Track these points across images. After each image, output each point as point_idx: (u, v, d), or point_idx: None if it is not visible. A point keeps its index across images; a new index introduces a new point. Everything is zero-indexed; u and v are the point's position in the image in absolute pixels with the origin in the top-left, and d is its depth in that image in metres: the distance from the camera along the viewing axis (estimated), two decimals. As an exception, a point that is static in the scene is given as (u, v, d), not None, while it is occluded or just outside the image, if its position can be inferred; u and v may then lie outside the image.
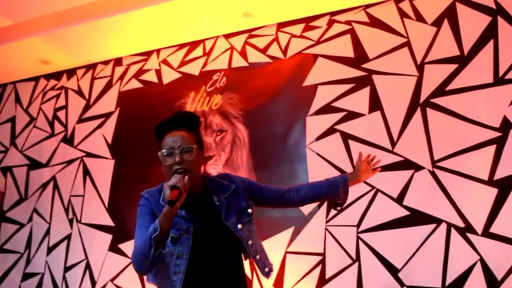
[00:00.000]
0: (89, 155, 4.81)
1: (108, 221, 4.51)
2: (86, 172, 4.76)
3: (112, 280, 4.34)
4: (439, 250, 3.34)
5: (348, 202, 3.50)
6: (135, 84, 4.78)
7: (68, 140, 4.98)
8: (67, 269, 4.58)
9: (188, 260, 2.08)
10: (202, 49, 4.56)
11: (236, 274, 2.21)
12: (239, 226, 2.19)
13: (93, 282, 4.42)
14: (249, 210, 2.30)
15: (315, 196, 2.44)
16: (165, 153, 2.15)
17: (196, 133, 2.28)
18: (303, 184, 2.51)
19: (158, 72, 4.70)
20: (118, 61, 4.96)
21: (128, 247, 4.34)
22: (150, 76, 4.73)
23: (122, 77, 4.87)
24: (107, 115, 4.83)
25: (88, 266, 4.49)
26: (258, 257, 2.27)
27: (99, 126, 4.83)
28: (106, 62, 5.01)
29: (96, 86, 5.01)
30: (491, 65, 3.47)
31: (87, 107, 4.98)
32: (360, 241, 3.54)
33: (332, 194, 2.45)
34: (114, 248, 4.41)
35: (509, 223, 3.20)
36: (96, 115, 4.90)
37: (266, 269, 2.27)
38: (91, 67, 5.10)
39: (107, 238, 4.47)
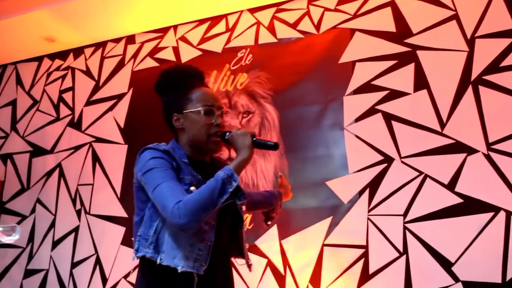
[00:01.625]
0: (99, 140, 4.45)
1: (120, 212, 4.15)
2: (96, 159, 4.40)
3: (125, 277, 3.99)
4: (497, 241, 3.03)
5: (393, 188, 3.22)
6: (150, 63, 4.43)
7: (75, 124, 4.63)
8: (74, 265, 4.22)
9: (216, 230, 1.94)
10: (225, 25, 4.22)
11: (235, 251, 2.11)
12: (244, 207, 2.07)
13: (104, 279, 4.07)
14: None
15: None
16: (203, 110, 1.98)
17: None
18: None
19: (176, 50, 4.34)
20: (130, 39, 4.61)
21: (143, 240, 3.97)
22: (167, 54, 4.38)
23: (135, 55, 4.51)
24: (119, 97, 4.47)
25: (98, 262, 4.14)
26: (246, 246, 2.13)
27: (110, 109, 4.48)
28: (117, 40, 4.65)
29: (106, 65, 4.65)
30: (552, 39, 3.18)
31: (96, 88, 4.62)
32: (407, 232, 3.22)
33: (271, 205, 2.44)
34: (127, 241, 4.05)
35: None
36: (107, 97, 4.55)
37: (250, 262, 2.13)
38: (101, 45, 4.74)
39: (120, 230, 4.12)
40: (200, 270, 1.86)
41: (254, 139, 1.95)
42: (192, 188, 1.88)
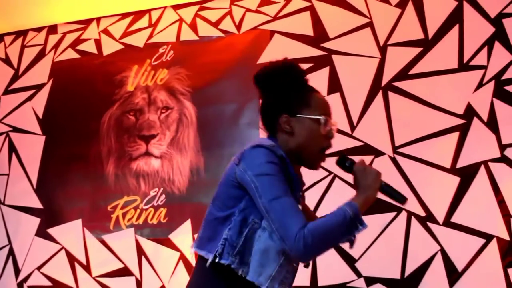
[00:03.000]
0: (16, 130, 4.38)
1: (36, 203, 4.12)
2: (12, 149, 4.33)
3: (38, 268, 3.98)
4: (398, 240, 3.21)
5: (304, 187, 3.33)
6: (71, 54, 4.38)
7: (-9, 113, 4.55)
8: (-15, 256, 4.15)
9: None
10: (148, 20, 4.22)
11: None
12: None
13: (17, 270, 4.05)
14: None
15: None
16: (323, 120, 1.84)
17: None
18: None
19: (98, 42, 4.32)
20: (52, 29, 4.53)
21: (59, 231, 3.99)
22: (89, 47, 4.35)
23: (56, 46, 4.45)
24: (38, 87, 4.40)
25: (11, 253, 4.10)
26: None
27: (29, 99, 4.41)
28: (38, 29, 4.56)
29: (26, 54, 4.56)
30: (456, 50, 3.36)
31: (15, 77, 4.53)
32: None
33: None
34: (42, 233, 4.03)
35: (470, 213, 3.12)
36: (26, 87, 4.46)
37: None
38: (21, 33, 4.64)
39: (35, 221, 4.08)
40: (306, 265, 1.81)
41: (383, 183, 1.83)
42: (300, 206, 1.76)
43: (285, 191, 1.70)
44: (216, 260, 1.71)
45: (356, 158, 1.86)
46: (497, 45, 3.29)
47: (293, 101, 1.86)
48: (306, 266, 1.96)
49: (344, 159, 1.90)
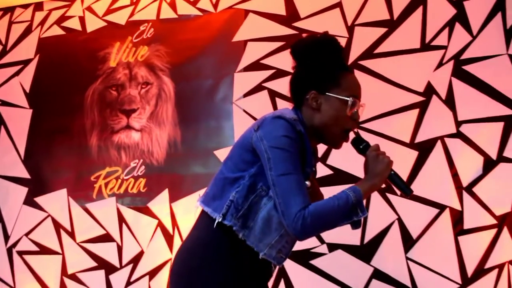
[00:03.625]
0: (4, 103, 4.55)
1: (24, 173, 4.31)
2: (1, 122, 4.51)
3: (27, 234, 4.19)
4: (359, 208, 3.40)
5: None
6: (57, 31, 4.52)
7: (-21, 87, 4.70)
8: (-26, 223, 4.37)
9: None
10: (130, -2, 4.38)
11: None
12: None
13: (6, 237, 4.26)
14: None
15: None
16: (351, 102, 1.83)
17: None
18: None
19: (82, 20, 4.47)
20: (38, 6, 4.66)
21: (45, 200, 4.20)
22: (73, 24, 4.49)
23: (42, 23, 4.59)
24: (25, 62, 4.55)
25: (1, 220, 4.31)
26: None
27: (17, 74, 4.56)
28: (25, 6, 4.69)
29: (14, 31, 4.70)
30: (419, 31, 3.52)
31: (3, 53, 4.67)
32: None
33: None
34: (29, 201, 4.24)
35: (426, 185, 3.31)
36: (13, 62, 4.61)
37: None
38: (9, 10, 4.77)
39: (23, 191, 4.28)
40: (280, 263, 1.82)
41: (392, 172, 1.82)
42: (307, 182, 1.77)
43: (295, 168, 1.70)
44: (219, 220, 1.75)
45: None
46: (458, 26, 3.44)
47: (324, 78, 1.84)
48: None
49: (359, 140, 1.89)
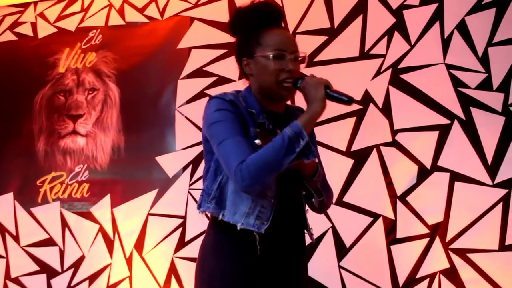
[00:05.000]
0: (-44, 107, 4.58)
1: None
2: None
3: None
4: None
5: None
6: (9, 37, 4.57)
7: None
8: None
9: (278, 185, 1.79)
10: (81, 5, 4.39)
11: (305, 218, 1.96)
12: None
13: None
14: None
15: None
16: (272, 55, 1.81)
17: None
18: None
19: (34, 26, 4.50)
20: (-7, 11, 4.72)
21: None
22: (26, 29, 4.53)
23: (-4, 28, 4.64)
24: (-23, 67, 4.60)
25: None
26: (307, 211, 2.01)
27: (-32, 79, 4.59)
28: (-21, 12, 4.75)
29: (-32, 36, 4.74)
30: (358, 40, 3.54)
31: (-45, 58, 4.71)
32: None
33: None
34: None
35: (361, 194, 3.34)
36: (-35, 67, 4.65)
37: (311, 230, 1.99)
38: (-38, 15, 4.81)
39: None
40: (261, 229, 1.74)
41: (328, 90, 1.77)
42: (257, 141, 1.76)
43: (230, 133, 1.73)
44: (199, 211, 1.84)
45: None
46: (396, 35, 3.46)
47: (249, 44, 1.85)
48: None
49: (295, 81, 1.83)
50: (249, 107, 1.83)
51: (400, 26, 3.47)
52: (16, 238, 4.08)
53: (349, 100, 1.79)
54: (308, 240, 1.98)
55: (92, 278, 3.83)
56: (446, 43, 3.36)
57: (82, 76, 4.16)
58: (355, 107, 3.42)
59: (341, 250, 3.32)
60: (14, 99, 4.33)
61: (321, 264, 3.34)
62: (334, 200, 3.29)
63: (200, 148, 3.68)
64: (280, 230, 1.81)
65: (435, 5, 3.42)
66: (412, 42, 3.42)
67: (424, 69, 3.37)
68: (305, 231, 1.95)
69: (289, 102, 2.02)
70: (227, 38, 3.75)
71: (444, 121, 3.26)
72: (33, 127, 4.19)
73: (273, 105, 1.90)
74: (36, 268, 3.99)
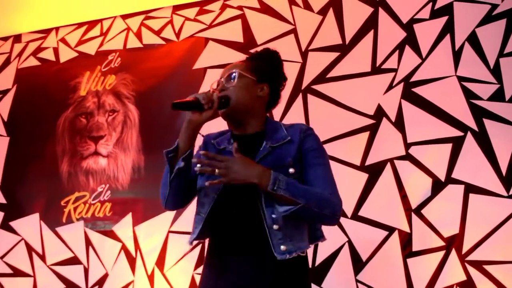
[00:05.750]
0: (-16, 132, 4.76)
1: (1, 199, 4.47)
2: (-19, 149, 4.71)
3: (2, 257, 4.32)
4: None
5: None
6: (32, 62, 4.73)
7: (-38, 115, 4.90)
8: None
9: (215, 202, 1.90)
10: (100, 29, 4.55)
11: (259, 239, 1.84)
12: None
13: (-18, 261, 4.41)
14: (291, 170, 1.89)
15: None
16: (213, 86, 2.05)
17: (257, 62, 2.16)
18: None
19: (56, 50, 4.66)
20: (17, 38, 4.88)
21: (19, 224, 4.33)
22: (48, 54, 4.69)
23: (20, 54, 4.80)
24: (3, 92, 4.76)
25: (-23, 245, 4.47)
26: (275, 227, 1.83)
27: (-4, 103, 4.78)
28: (5, 38, 4.92)
29: (-6, 62, 4.94)
30: (370, 55, 3.59)
31: (-17, 84, 4.90)
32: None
33: None
34: (5, 225, 4.38)
35: (376, 207, 3.35)
36: (-7, 92, 4.84)
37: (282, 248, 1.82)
38: (-10, 42, 5.01)
39: (-1, 215, 4.46)
40: (190, 240, 1.98)
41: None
42: (196, 168, 1.89)
43: None
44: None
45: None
46: (407, 49, 3.51)
47: None
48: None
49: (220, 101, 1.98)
50: (216, 138, 2.13)
51: (411, 40, 3.51)
52: (42, 257, 4.18)
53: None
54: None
55: (116, 295, 3.92)
56: (457, 55, 3.39)
57: (102, 98, 4.28)
58: (368, 121, 3.46)
59: (358, 263, 3.33)
60: (38, 122, 4.47)
61: (338, 278, 3.37)
62: (349, 214, 3.35)
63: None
64: (231, 248, 1.90)
65: (445, 18, 3.46)
66: (424, 56, 3.45)
67: (436, 82, 3.39)
68: (276, 251, 1.83)
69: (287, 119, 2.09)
70: (241, 57, 3.85)
71: (457, 133, 3.27)
72: (57, 149, 4.32)
73: (237, 130, 2.08)
74: (62, 286, 4.07)
